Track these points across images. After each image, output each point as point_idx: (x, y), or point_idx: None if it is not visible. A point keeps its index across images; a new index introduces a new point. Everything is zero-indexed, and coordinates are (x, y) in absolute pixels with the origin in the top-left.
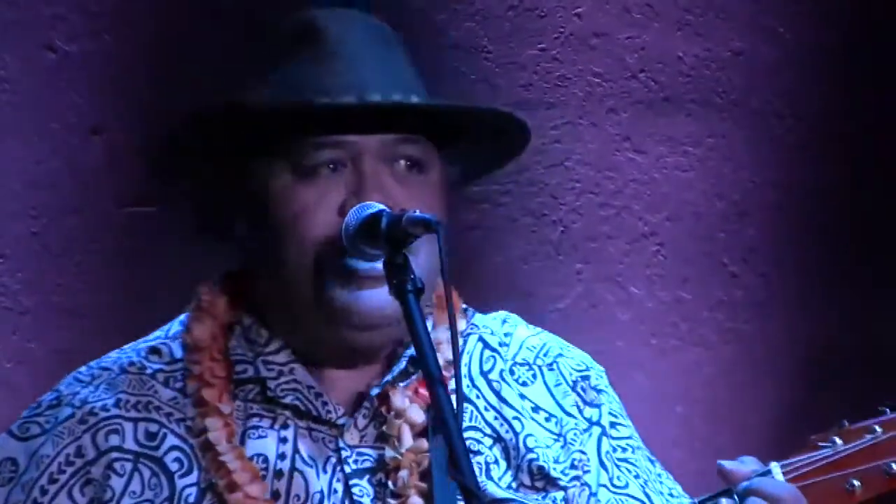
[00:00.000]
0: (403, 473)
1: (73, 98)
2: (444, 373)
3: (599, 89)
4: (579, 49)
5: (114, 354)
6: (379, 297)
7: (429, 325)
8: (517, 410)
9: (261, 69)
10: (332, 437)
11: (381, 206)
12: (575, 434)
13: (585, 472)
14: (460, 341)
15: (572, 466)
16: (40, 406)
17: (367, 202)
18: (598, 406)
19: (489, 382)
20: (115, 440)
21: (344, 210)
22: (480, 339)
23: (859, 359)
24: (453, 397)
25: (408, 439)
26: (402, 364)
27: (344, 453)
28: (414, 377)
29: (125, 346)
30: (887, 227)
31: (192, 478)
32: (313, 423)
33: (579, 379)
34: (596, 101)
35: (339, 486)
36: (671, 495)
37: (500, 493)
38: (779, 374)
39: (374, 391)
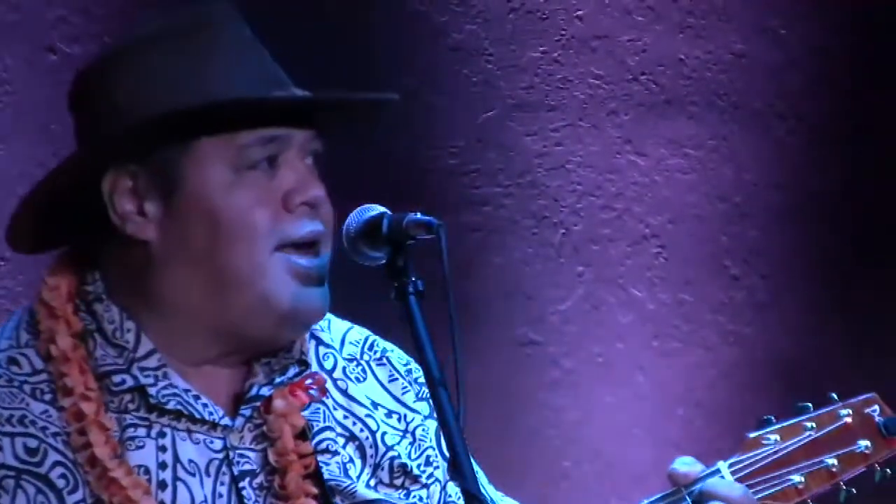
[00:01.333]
0: (293, 476)
1: None
2: (323, 376)
3: (601, 91)
4: (580, 51)
5: None
6: (323, 295)
7: None
8: (367, 408)
9: (164, 62)
10: (215, 439)
11: (382, 209)
12: (424, 430)
13: (436, 467)
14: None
15: (427, 463)
16: None
17: (368, 205)
18: (426, 399)
19: (334, 381)
20: None
21: (288, 204)
22: (312, 335)
23: (860, 360)
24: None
25: (290, 441)
26: (294, 366)
27: (231, 454)
28: (291, 378)
29: None
30: (888, 228)
31: (80, 494)
32: (193, 425)
33: (410, 371)
34: (597, 103)
35: (224, 490)
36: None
37: (371, 495)
38: (780, 376)
39: (266, 391)
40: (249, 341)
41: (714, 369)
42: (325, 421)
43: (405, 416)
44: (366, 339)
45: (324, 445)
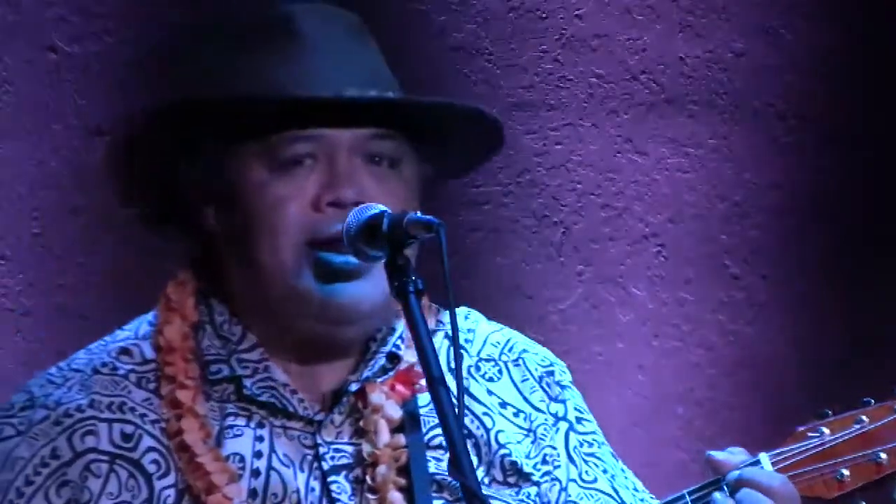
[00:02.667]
0: (382, 469)
1: (75, 99)
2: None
3: (600, 91)
4: (580, 51)
5: (83, 355)
6: (355, 291)
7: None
8: (486, 406)
9: (225, 58)
10: (308, 434)
11: (383, 208)
12: (545, 429)
13: (556, 466)
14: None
15: (543, 461)
16: (12, 408)
17: (369, 204)
18: (564, 402)
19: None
20: (90, 441)
21: (318, 203)
22: (447, 335)
23: (861, 360)
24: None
25: (385, 435)
26: (382, 360)
27: (321, 450)
28: (391, 373)
29: (92, 346)
30: (888, 227)
31: (170, 479)
32: (288, 420)
33: (544, 374)
34: (597, 102)
35: (317, 484)
36: (635, 489)
37: (495, 487)
38: (780, 376)
39: (354, 387)
40: (304, 336)
41: (714, 368)
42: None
43: (530, 415)
44: (507, 341)
45: (437, 441)
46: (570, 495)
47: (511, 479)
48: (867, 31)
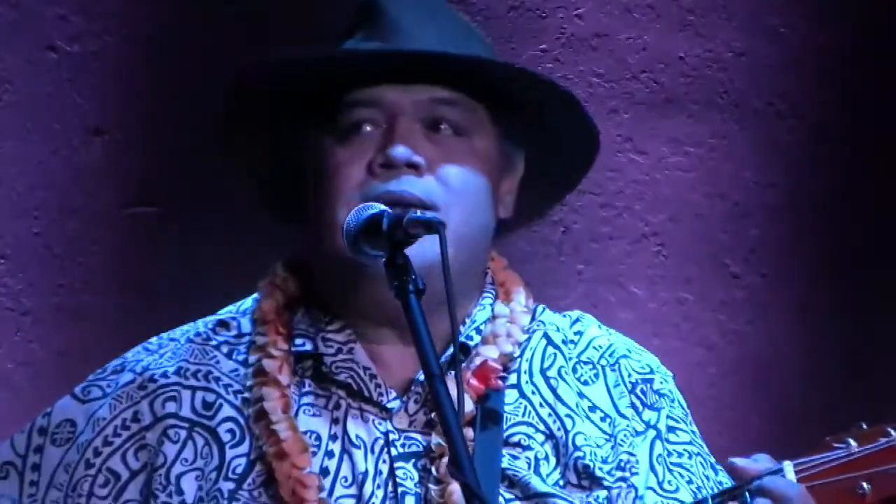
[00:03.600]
0: (446, 461)
1: (75, 98)
2: (499, 366)
3: (601, 90)
4: (580, 50)
5: (186, 326)
6: (422, 251)
7: (486, 309)
8: (571, 408)
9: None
10: (382, 419)
11: (382, 207)
12: (625, 435)
13: (633, 473)
14: (523, 337)
15: (619, 467)
16: (105, 371)
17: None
18: (658, 409)
19: (547, 379)
20: (171, 407)
21: (371, 166)
22: (545, 335)
23: (861, 359)
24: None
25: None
26: (449, 350)
27: (392, 436)
28: (468, 366)
29: (198, 321)
30: (889, 226)
31: (243, 448)
32: (365, 403)
33: (640, 381)
34: (597, 101)
35: (385, 468)
36: None
37: (542, 488)
38: (781, 375)
39: (421, 376)
40: (368, 313)
41: (714, 368)
42: (525, 416)
43: (614, 420)
44: (609, 346)
45: (516, 439)
46: (645, 503)
47: (584, 483)
48: (868, 31)
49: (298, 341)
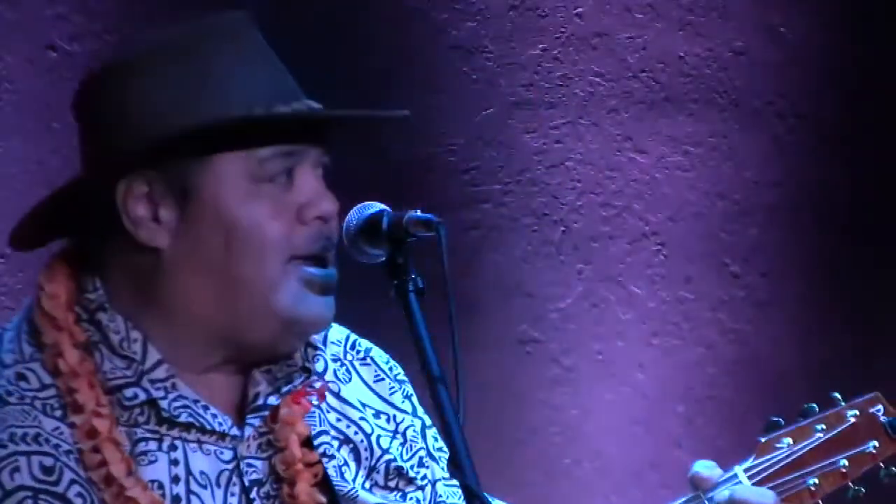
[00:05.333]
0: (303, 486)
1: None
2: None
3: (601, 89)
4: (580, 49)
5: None
6: (328, 305)
7: None
8: (360, 409)
9: (176, 72)
10: (225, 449)
11: (382, 206)
12: (414, 431)
13: (427, 468)
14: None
15: (420, 465)
16: None
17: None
18: (410, 397)
19: (326, 384)
20: (18, 478)
21: (303, 217)
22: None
23: (861, 358)
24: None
25: (297, 450)
26: (300, 377)
27: (241, 464)
28: (297, 386)
29: None
30: (888, 226)
31: None
32: (202, 435)
33: (389, 370)
34: (597, 100)
35: (235, 500)
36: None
37: (372, 499)
38: (780, 374)
39: (274, 400)
40: (255, 348)
41: (714, 367)
42: (320, 425)
43: (394, 416)
44: (347, 338)
45: (321, 450)
46: (440, 495)
47: (391, 484)
48: (867, 30)
49: (129, 393)
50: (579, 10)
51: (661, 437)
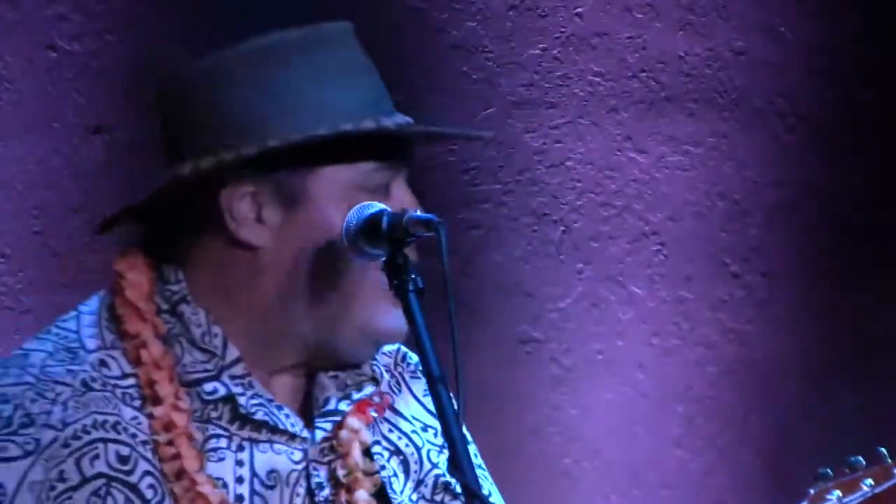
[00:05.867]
0: (363, 494)
1: (75, 97)
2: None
3: (600, 89)
4: (580, 49)
5: (53, 364)
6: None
7: None
8: (411, 422)
9: (254, 81)
10: (295, 450)
11: (382, 206)
12: None
13: None
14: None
15: None
16: (10, 424)
17: (367, 202)
18: None
19: (388, 396)
20: (98, 466)
21: None
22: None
23: (861, 358)
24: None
25: (359, 457)
26: (371, 386)
27: (310, 465)
28: (367, 395)
29: (43, 349)
30: (889, 226)
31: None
32: (273, 435)
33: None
34: (597, 100)
35: (299, 501)
36: None
37: None
38: (781, 374)
39: (345, 405)
40: (334, 354)
41: (714, 367)
42: (374, 435)
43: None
44: (398, 351)
45: (374, 460)
46: None
47: (437, 498)
48: (867, 30)
49: (208, 388)
50: (579, 10)
51: (661, 436)
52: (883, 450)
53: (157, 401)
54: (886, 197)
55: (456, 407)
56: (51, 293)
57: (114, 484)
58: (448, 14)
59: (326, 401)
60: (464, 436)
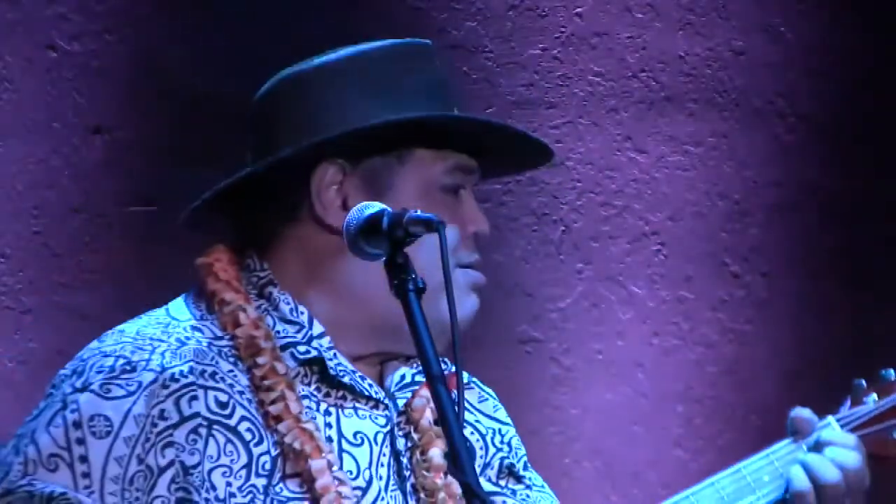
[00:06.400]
0: (435, 451)
1: (75, 97)
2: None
3: (600, 89)
4: (580, 48)
5: (151, 329)
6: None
7: None
8: (474, 414)
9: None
10: (379, 415)
11: (382, 206)
12: (518, 441)
13: (529, 471)
14: None
15: (525, 468)
16: (113, 370)
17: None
18: (507, 415)
19: (452, 372)
20: (196, 406)
21: (467, 230)
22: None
23: (861, 358)
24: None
25: (430, 420)
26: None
27: (395, 429)
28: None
29: (131, 325)
30: (889, 226)
31: (264, 447)
32: (358, 401)
33: (489, 394)
34: (597, 100)
35: (386, 461)
36: None
37: (489, 487)
38: (780, 374)
39: (420, 377)
40: (404, 343)
41: (714, 367)
42: None
43: (500, 429)
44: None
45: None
46: (535, 500)
47: (502, 482)
48: (867, 29)
49: (301, 349)
50: (579, 9)
51: (661, 436)
52: None
53: (258, 352)
54: (887, 196)
55: (455, 407)
56: (51, 293)
57: (214, 426)
58: (448, 14)
59: (402, 377)
60: (464, 436)
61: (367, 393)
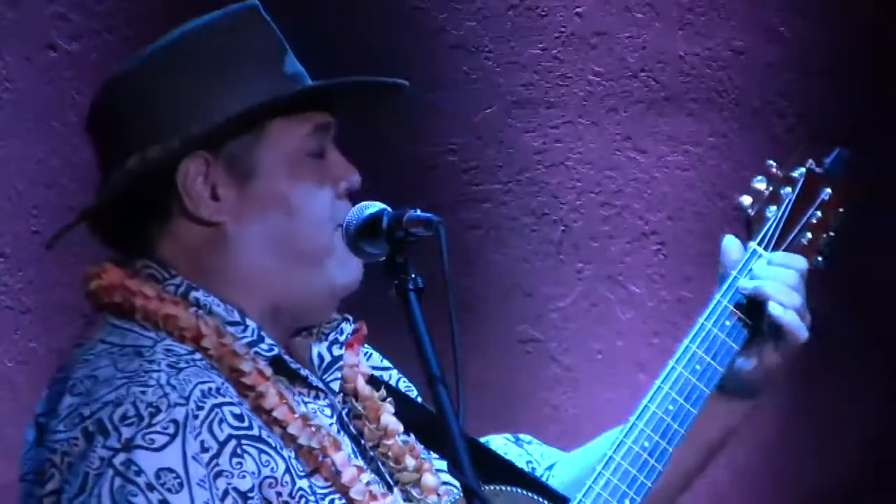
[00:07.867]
0: (387, 416)
1: (74, 97)
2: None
3: (600, 88)
4: (580, 48)
5: (131, 364)
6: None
7: None
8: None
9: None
10: (325, 406)
11: (382, 206)
12: (406, 381)
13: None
14: None
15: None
16: (141, 417)
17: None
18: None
19: (360, 326)
20: (224, 428)
21: (338, 188)
22: None
23: (861, 356)
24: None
25: (365, 388)
26: (349, 324)
27: (343, 416)
28: (352, 332)
29: (97, 366)
30: (889, 225)
31: (287, 451)
32: (310, 392)
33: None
34: (596, 100)
35: (350, 448)
36: None
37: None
38: None
39: (339, 350)
40: (306, 316)
41: None
42: (368, 361)
43: (391, 374)
44: None
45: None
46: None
47: None
48: (867, 29)
49: (264, 346)
50: (579, 9)
51: None
52: (771, 162)
53: (238, 360)
54: (886, 196)
55: (455, 407)
56: (50, 293)
57: (244, 441)
58: (448, 14)
59: (320, 356)
60: (464, 436)
61: (315, 383)
